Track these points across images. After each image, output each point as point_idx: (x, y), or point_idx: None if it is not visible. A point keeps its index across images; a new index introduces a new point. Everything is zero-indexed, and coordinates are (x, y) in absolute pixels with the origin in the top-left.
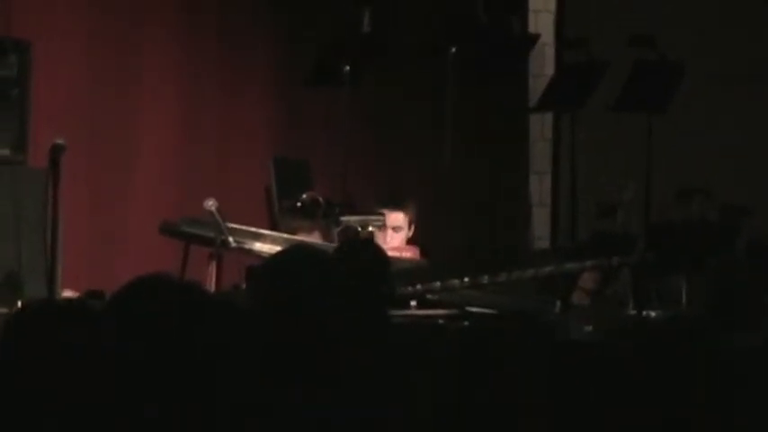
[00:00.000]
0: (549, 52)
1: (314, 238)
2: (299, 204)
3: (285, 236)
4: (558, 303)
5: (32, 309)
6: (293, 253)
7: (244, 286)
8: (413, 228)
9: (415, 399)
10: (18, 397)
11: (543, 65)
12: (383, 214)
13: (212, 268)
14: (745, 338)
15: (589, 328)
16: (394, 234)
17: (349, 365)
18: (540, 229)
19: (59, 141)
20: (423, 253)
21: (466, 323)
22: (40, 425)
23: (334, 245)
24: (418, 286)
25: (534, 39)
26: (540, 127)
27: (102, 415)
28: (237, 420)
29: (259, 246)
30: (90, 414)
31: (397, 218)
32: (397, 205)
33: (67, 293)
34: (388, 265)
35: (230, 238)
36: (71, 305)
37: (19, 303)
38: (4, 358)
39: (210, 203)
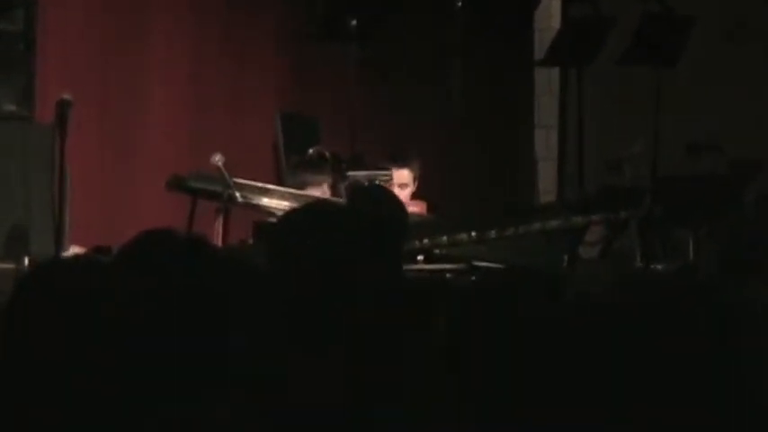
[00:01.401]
0: (556, 5)
1: (321, 193)
2: (306, 159)
3: (292, 191)
4: (566, 257)
5: (41, 267)
6: (310, 209)
7: (251, 241)
8: (416, 183)
9: (423, 355)
10: (29, 356)
11: (549, 18)
12: (390, 169)
13: (219, 223)
14: (758, 291)
15: (597, 281)
16: (400, 191)
17: (369, 323)
18: (547, 183)
19: (66, 97)
20: (430, 208)
21: (473, 278)
22: (51, 383)
23: (344, 200)
24: (425, 241)
25: None
26: (547, 81)
27: (111, 373)
28: (252, 376)
29: (266, 201)
30: (98, 372)
31: (402, 175)
32: (402, 162)
33: (75, 249)
34: (405, 214)
35: (237, 193)
36: (79, 262)
37: (26, 259)
38: (16, 317)
39: (217, 158)
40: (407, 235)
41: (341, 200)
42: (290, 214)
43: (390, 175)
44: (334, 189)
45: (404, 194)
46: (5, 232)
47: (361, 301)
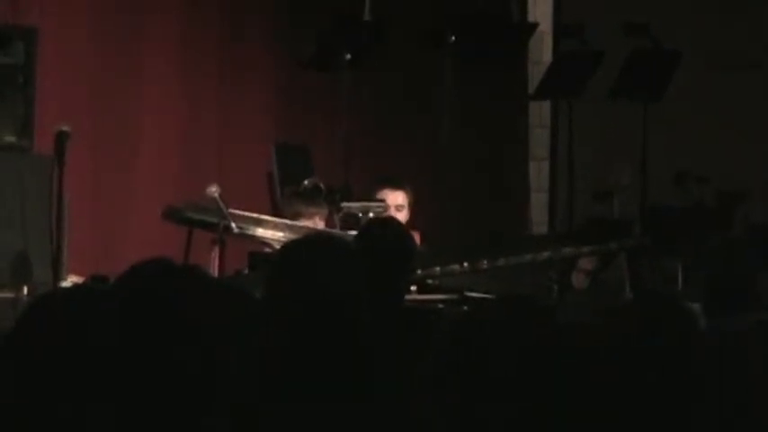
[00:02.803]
0: (548, 40)
1: (315, 225)
2: (300, 190)
3: (287, 222)
4: (556, 287)
5: (42, 297)
6: (309, 240)
7: (246, 271)
8: (410, 210)
9: (418, 385)
10: (31, 385)
11: (542, 53)
12: (384, 201)
13: (215, 253)
14: (744, 319)
15: (587, 312)
16: (396, 213)
17: (369, 356)
18: (538, 215)
19: (64, 128)
20: (422, 238)
21: (465, 308)
22: (53, 411)
23: (338, 231)
24: (418, 271)
25: (533, 27)
26: (539, 114)
27: (111, 401)
28: (244, 409)
29: (261, 231)
30: (99, 400)
31: (398, 197)
32: (396, 185)
33: (72, 279)
34: (414, 246)
35: (233, 224)
36: (78, 291)
37: (25, 288)
38: (18, 348)
39: (213, 189)
40: (414, 267)
41: (336, 231)
42: (288, 245)
43: (384, 207)
44: (328, 220)
45: (400, 216)
46: (4, 262)
47: (359, 331)
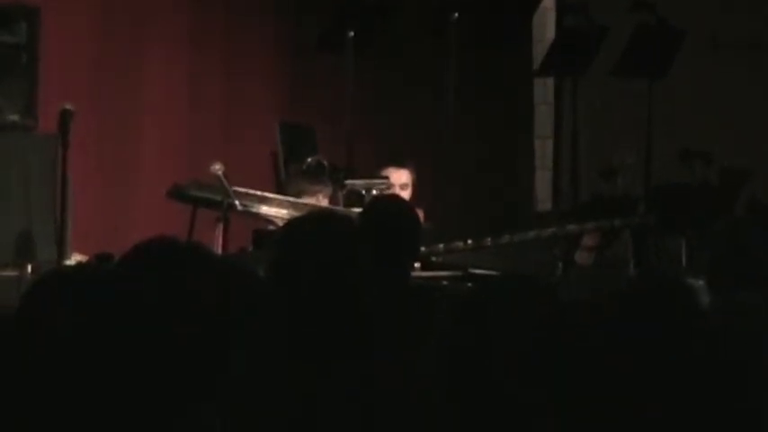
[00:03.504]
0: (551, 17)
1: (318, 202)
2: (304, 168)
3: (291, 199)
4: (561, 264)
5: (47, 275)
6: (312, 217)
7: (250, 249)
8: (413, 188)
9: (420, 361)
10: (37, 363)
11: (545, 30)
12: (387, 178)
13: (219, 231)
14: (751, 297)
15: (590, 290)
16: (401, 191)
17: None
18: (543, 192)
19: (68, 107)
20: (426, 216)
21: (469, 285)
22: (59, 390)
23: (341, 208)
24: (422, 248)
25: (536, 3)
26: (543, 91)
27: (116, 380)
28: (250, 387)
29: (265, 209)
30: (105, 379)
31: (402, 175)
32: (401, 163)
33: (77, 257)
34: (419, 224)
35: (236, 202)
36: (83, 270)
37: (29, 267)
38: (24, 326)
39: (217, 167)
40: (420, 244)
41: (340, 208)
42: (292, 222)
43: (387, 184)
44: (332, 198)
45: (405, 194)
46: (9, 240)
47: (361, 306)
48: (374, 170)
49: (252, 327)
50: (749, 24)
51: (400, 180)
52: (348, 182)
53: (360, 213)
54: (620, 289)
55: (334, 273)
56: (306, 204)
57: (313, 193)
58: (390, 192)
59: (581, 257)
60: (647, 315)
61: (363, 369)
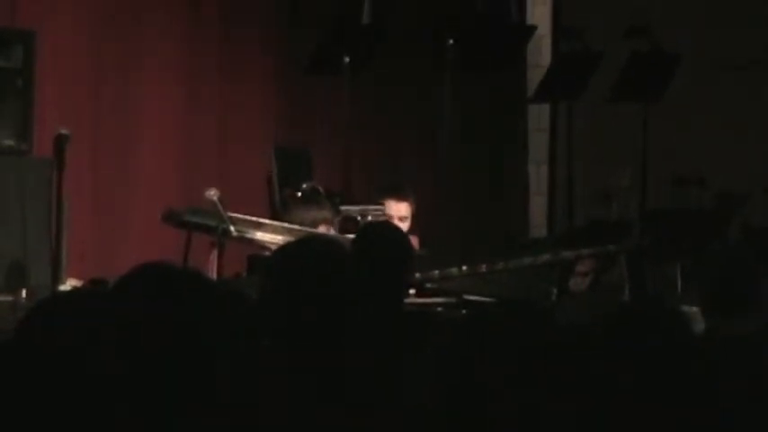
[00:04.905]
0: (546, 43)
1: (315, 228)
2: (300, 194)
3: (286, 225)
4: (555, 291)
5: (43, 301)
6: (304, 242)
7: (245, 274)
8: (411, 219)
9: (416, 388)
10: (33, 388)
11: (540, 56)
12: (383, 204)
13: (214, 257)
14: (744, 325)
15: (585, 315)
16: (400, 224)
17: (357, 358)
18: (537, 218)
19: (63, 131)
20: (420, 242)
21: (464, 311)
22: (55, 412)
23: (336, 234)
24: (417, 275)
25: (532, 29)
26: (537, 117)
27: (110, 404)
28: (242, 406)
29: (260, 235)
30: (99, 400)
31: (401, 208)
32: (402, 196)
33: (72, 282)
34: (411, 251)
35: (231, 227)
36: (78, 295)
37: (24, 291)
38: (20, 352)
39: (212, 193)
40: (412, 270)
41: (335, 234)
42: (284, 247)
43: (382, 210)
44: (329, 224)
45: (403, 227)
46: (3, 265)
47: (352, 332)
48: (370, 194)
49: (244, 349)
50: (745, 47)
51: (399, 212)
52: (343, 208)
53: (352, 240)
54: (614, 314)
55: (323, 296)
56: (301, 230)
57: (310, 219)
58: (385, 219)
59: (575, 284)
60: (641, 341)
61: (353, 394)
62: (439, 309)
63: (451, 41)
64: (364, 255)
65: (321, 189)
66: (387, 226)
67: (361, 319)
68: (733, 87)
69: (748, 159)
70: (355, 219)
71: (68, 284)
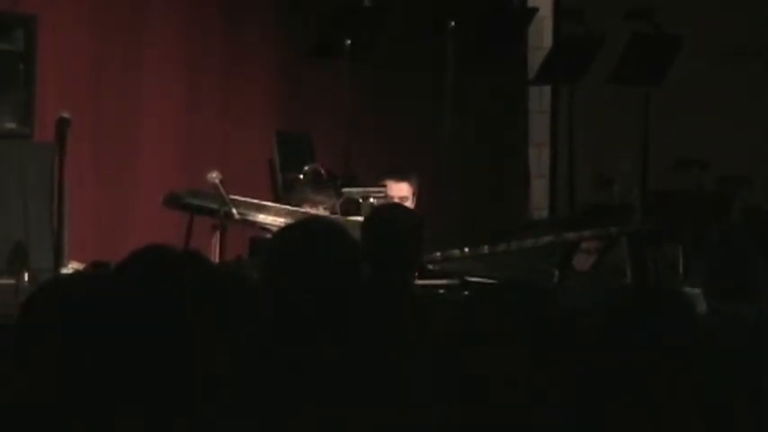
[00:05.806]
0: (548, 25)
1: (317, 210)
2: (302, 177)
3: (288, 207)
4: (557, 272)
5: (45, 284)
6: (304, 224)
7: (247, 257)
8: (415, 199)
9: (417, 369)
10: (37, 370)
11: (542, 38)
12: (384, 186)
13: (216, 240)
14: (746, 307)
15: (587, 297)
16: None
17: (364, 337)
18: (539, 200)
19: (65, 115)
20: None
21: (466, 293)
22: (58, 396)
23: (339, 216)
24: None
25: (533, 12)
26: (539, 99)
27: (112, 387)
28: (242, 393)
29: (262, 217)
30: (104, 385)
31: (402, 188)
32: (401, 176)
33: (73, 265)
34: (422, 230)
35: (233, 210)
36: (80, 278)
37: (26, 275)
38: (23, 335)
39: (214, 176)
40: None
41: (337, 216)
42: (284, 229)
43: (384, 192)
44: (331, 206)
45: None
46: (5, 248)
47: (352, 314)
48: (371, 177)
49: (245, 332)
50: (746, 31)
51: (400, 193)
52: (345, 190)
53: (362, 222)
54: (616, 297)
55: (324, 278)
56: (303, 212)
57: (314, 204)
58: (390, 201)
59: (579, 261)
60: (643, 323)
61: (353, 374)
62: (441, 291)
63: (453, 24)
64: (373, 237)
65: (323, 171)
66: (396, 207)
67: (366, 304)
68: (735, 70)
69: (750, 142)
70: (357, 201)
71: (70, 268)
